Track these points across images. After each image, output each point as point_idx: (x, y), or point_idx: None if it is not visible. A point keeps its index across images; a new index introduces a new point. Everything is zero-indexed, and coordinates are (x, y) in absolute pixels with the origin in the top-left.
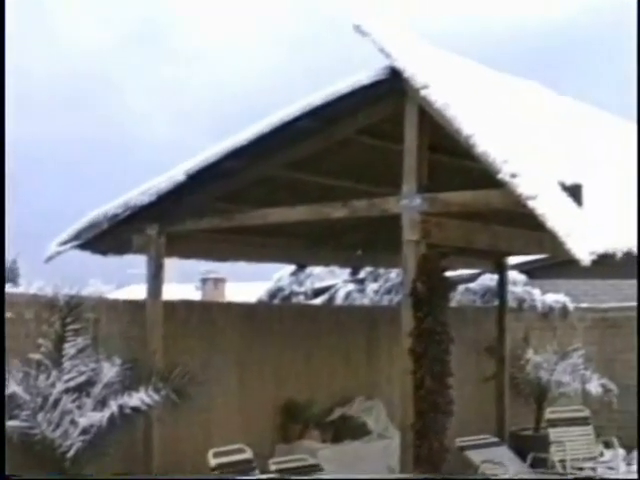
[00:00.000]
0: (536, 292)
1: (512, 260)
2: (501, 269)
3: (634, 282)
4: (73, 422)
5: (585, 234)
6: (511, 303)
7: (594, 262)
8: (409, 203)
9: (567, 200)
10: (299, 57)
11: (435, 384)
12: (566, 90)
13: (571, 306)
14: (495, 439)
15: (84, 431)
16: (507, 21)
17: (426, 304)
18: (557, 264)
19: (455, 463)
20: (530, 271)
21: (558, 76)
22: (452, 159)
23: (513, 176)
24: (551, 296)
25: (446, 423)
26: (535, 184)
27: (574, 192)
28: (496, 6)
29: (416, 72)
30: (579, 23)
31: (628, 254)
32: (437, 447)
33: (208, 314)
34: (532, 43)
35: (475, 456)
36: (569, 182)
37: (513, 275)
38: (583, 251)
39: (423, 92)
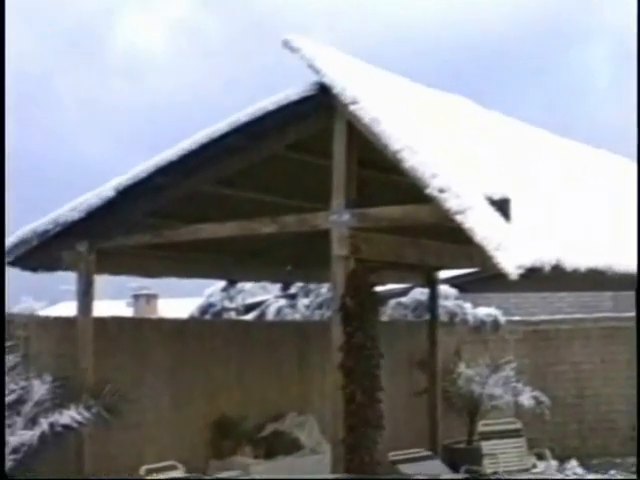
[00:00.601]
0: (467, 306)
1: (443, 274)
2: (432, 283)
3: (564, 295)
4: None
5: (513, 248)
6: (442, 317)
7: (522, 276)
8: (338, 218)
9: (495, 214)
10: (230, 71)
11: (365, 398)
12: (491, 104)
13: (502, 319)
14: (428, 453)
15: (15, 450)
16: (436, 36)
17: (355, 319)
18: (488, 278)
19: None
20: (461, 285)
21: (483, 92)
22: (382, 174)
23: (441, 191)
24: (482, 310)
25: (377, 437)
26: (463, 198)
27: (502, 206)
28: (423, 22)
29: (345, 88)
30: (505, 38)
31: (556, 267)
32: (368, 461)
33: (139, 330)
34: (455, 57)
35: (408, 470)
36: (497, 196)
37: (444, 289)
38: (511, 265)
39: (352, 107)
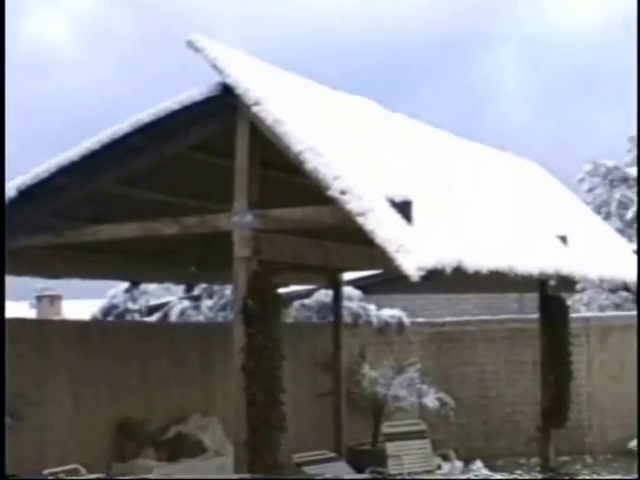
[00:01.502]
0: (372, 307)
1: (347, 276)
2: (336, 285)
3: (469, 297)
4: None
5: (414, 250)
6: (347, 319)
7: (423, 277)
8: (240, 220)
9: (397, 216)
10: (137, 71)
11: (267, 400)
12: (400, 108)
13: (407, 321)
14: (332, 454)
15: None
16: (346, 41)
17: (257, 321)
18: (392, 279)
19: None
20: (365, 287)
21: (392, 96)
22: (285, 175)
23: (343, 192)
24: (387, 311)
25: (279, 439)
26: (365, 200)
27: (403, 208)
28: (335, 28)
29: (248, 89)
30: (416, 44)
31: (457, 269)
32: (271, 463)
33: (42, 332)
34: (366, 62)
35: (312, 472)
36: (399, 198)
37: (348, 291)
38: (412, 267)
39: (255, 109)
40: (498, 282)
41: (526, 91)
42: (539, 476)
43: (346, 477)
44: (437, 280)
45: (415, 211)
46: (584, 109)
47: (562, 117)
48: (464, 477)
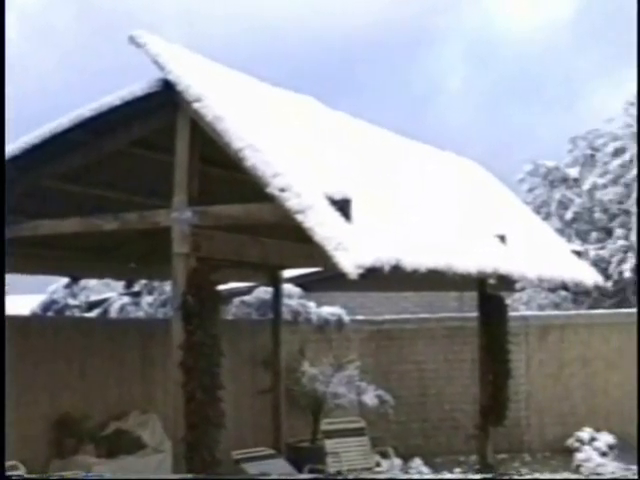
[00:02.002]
0: (311, 305)
1: (288, 273)
2: (276, 282)
3: (409, 295)
4: None
5: (352, 248)
6: (286, 316)
7: (362, 275)
8: (179, 216)
9: (336, 214)
10: (78, 67)
11: (206, 397)
12: (342, 107)
13: (346, 318)
14: (271, 451)
15: None
16: (287, 37)
17: (196, 317)
18: (332, 277)
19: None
20: (305, 284)
21: (335, 92)
22: (226, 172)
23: (282, 190)
24: (326, 309)
25: (217, 436)
26: (304, 198)
27: (343, 206)
28: (281, 27)
29: (189, 85)
30: (361, 42)
31: (396, 267)
32: (209, 460)
33: None
34: (310, 59)
35: (251, 469)
36: (338, 196)
37: (288, 288)
38: (350, 264)
39: (195, 105)
40: (438, 280)
41: (469, 91)
42: (486, 476)
43: (288, 478)
44: (376, 278)
45: (354, 209)
46: (526, 110)
47: (504, 117)
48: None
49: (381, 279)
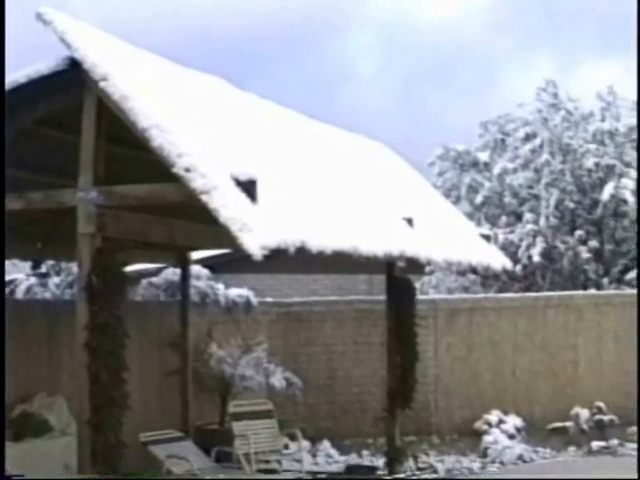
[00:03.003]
0: (220, 287)
1: (197, 255)
2: (184, 263)
3: (319, 277)
4: None
5: (258, 229)
6: (194, 297)
7: (267, 257)
8: (85, 196)
9: (241, 195)
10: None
11: (110, 378)
12: (257, 90)
13: (255, 300)
14: (179, 434)
15: None
16: (201, 19)
17: (101, 298)
18: (240, 259)
19: (140, 459)
20: (214, 266)
21: (249, 75)
22: (133, 152)
23: (187, 170)
24: (235, 291)
25: (122, 417)
26: (209, 178)
27: (248, 187)
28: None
29: (96, 64)
30: (273, 26)
31: (301, 249)
32: (114, 442)
33: None
34: (224, 41)
35: (159, 451)
36: (244, 177)
37: (197, 269)
38: (255, 246)
39: (102, 84)
40: (346, 263)
41: (384, 75)
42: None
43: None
44: (284, 260)
45: (260, 191)
46: (440, 94)
47: (418, 102)
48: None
49: (289, 261)
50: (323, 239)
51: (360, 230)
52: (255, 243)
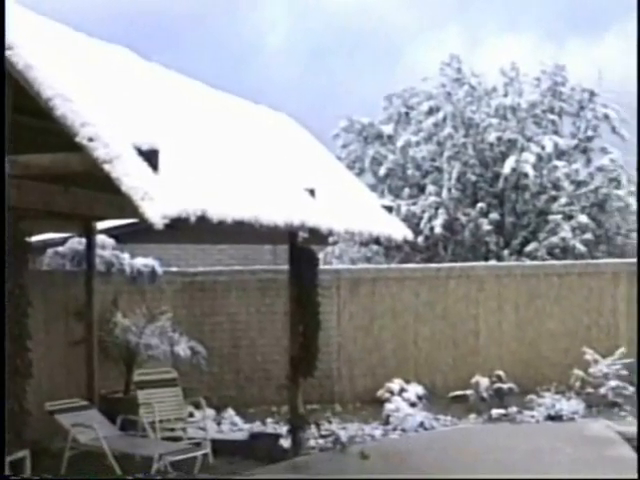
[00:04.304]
0: (125, 256)
1: (103, 225)
2: (89, 233)
3: (225, 247)
4: None
5: (159, 198)
6: (100, 267)
7: (168, 226)
8: None
9: (143, 164)
10: None
11: (14, 347)
12: (163, 61)
13: (160, 270)
14: (85, 402)
15: None
16: None
17: (4, 267)
18: (146, 229)
19: (46, 427)
20: (120, 236)
21: (155, 48)
22: (39, 122)
23: (90, 139)
24: (140, 260)
25: (26, 386)
26: (111, 148)
27: (150, 156)
28: None
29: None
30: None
31: (202, 218)
32: (18, 410)
33: None
34: (134, 13)
35: (65, 420)
36: (145, 146)
37: (102, 239)
38: (156, 215)
39: (7, 53)
40: (250, 233)
41: (292, 47)
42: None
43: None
44: (189, 229)
45: (163, 160)
46: (347, 67)
47: (324, 74)
48: None
49: (193, 231)
50: (224, 208)
51: (262, 200)
52: (156, 212)
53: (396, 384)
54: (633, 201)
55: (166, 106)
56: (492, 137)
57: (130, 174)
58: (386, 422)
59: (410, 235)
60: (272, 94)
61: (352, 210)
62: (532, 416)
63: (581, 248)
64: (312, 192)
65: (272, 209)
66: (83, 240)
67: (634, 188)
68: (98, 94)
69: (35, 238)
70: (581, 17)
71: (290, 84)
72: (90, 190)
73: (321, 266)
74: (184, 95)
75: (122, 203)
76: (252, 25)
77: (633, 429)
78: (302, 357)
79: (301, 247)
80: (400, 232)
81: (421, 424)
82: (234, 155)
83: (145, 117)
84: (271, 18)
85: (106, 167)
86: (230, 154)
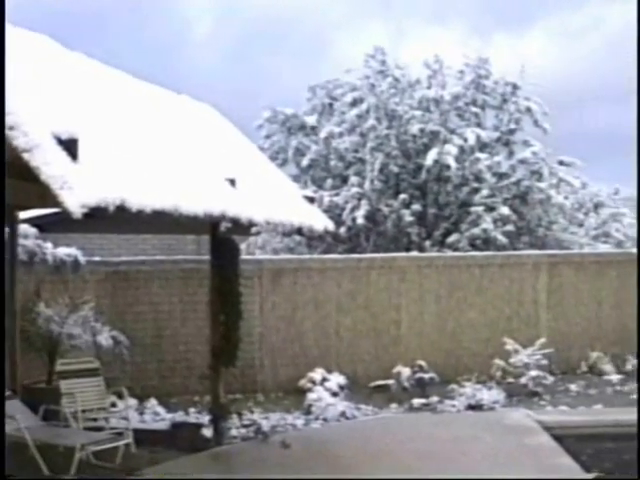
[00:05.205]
0: (48, 245)
1: (26, 214)
2: (12, 222)
3: (149, 237)
4: None
5: (78, 187)
6: (22, 256)
7: (87, 215)
8: None
9: (63, 153)
10: None
11: None
12: (89, 52)
13: (83, 260)
14: (8, 392)
15: None
16: None
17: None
18: (69, 218)
19: None
20: (43, 225)
21: (81, 39)
22: None
23: (11, 128)
24: (63, 250)
25: None
26: (31, 137)
27: (69, 146)
28: None
29: None
30: None
31: (121, 207)
32: None
33: None
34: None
35: None
36: (65, 136)
37: (24, 228)
38: (75, 204)
39: None
40: (171, 223)
41: (218, 37)
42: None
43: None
44: (110, 219)
45: (82, 150)
46: (271, 59)
47: (250, 64)
48: None
49: (116, 220)
50: (144, 198)
51: (182, 190)
52: (75, 201)
53: (318, 374)
54: (554, 193)
55: (88, 96)
56: (415, 129)
57: (49, 163)
58: (308, 412)
59: (331, 226)
60: (197, 84)
61: (273, 201)
62: (453, 405)
63: (502, 239)
64: (233, 182)
65: (192, 199)
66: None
67: (555, 180)
68: (18, 83)
69: None
70: (507, 11)
71: (215, 74)
72: (11, 179)
73: (244, 256)
74: (106, 85)
75: (43, 192)
76: (179, 14)
77: (552, 418)
78: (223, 347)
79: (223, 237)
80: (321, 223)
81: (343, 414)
82: (155, 145)
83: (66, 107)
84: (198, 7)
85: (26, 156)
86: (151, 144)
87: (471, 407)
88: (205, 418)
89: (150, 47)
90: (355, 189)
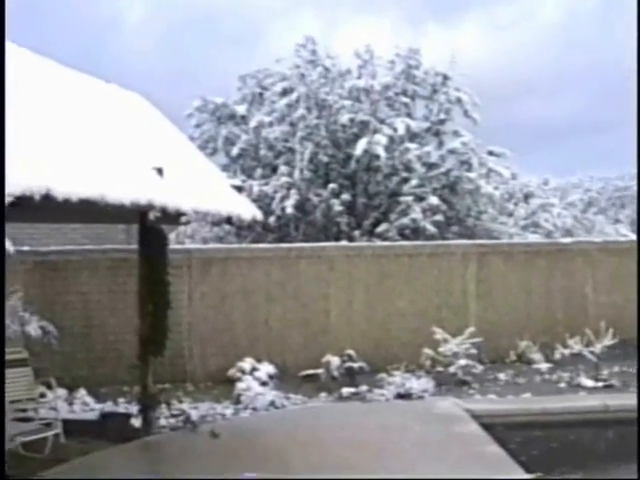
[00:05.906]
0: None
1: None
2: None
3: (78, 226)
4: None
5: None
6: None
7: (12, 204)
8: None
9: None
10: None
11: None
12: (18, 40)
13: (12, 249)
14: None
15: None
16: None
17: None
18: None
19: None
20: None
21: (13, 26)
22: None
23: None
24: None
25: None
26: None
27: None
28: None
29: None
30: None
31: (47, 196)
32: None
33: None
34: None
35: None
36: None
37: None
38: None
39: None
40: (101, 212)
41: (148, 26)
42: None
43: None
44: (38, 208)
45: (8, 138)
46: (202, 49)
47: (180, 53)
48: None
49: (44, 209)
50: (70, 187)
51: (108, 179)
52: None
53: (247, 363)
54: (484, 183)
55: (12, 84)
56: (345, 119)
57: None
58: (237, 401)
59: (260, 215)
60: (127, 73)
61: (201, 190)
62: (382, 394)
63: (432, 229)
64: (160, 171)
65: (119, 188)
66: None
67: (485, 171)
68: None
69: None
70: (441, 1)
71: (145, 63)
72: None
73: (173, 246)
74: (32, 73)
75: None
76: (110, 3)
77: (480, 406)
78: (152, 336)
79: (151, 226)
80: (249, 212)
81: (272, 403)
82: (82, 134)
83: None
84: None
85: None
86: (78, 133)
87: (400, 396)
88: (134, 408)
89: (81, 34)
90: (285, 178)
